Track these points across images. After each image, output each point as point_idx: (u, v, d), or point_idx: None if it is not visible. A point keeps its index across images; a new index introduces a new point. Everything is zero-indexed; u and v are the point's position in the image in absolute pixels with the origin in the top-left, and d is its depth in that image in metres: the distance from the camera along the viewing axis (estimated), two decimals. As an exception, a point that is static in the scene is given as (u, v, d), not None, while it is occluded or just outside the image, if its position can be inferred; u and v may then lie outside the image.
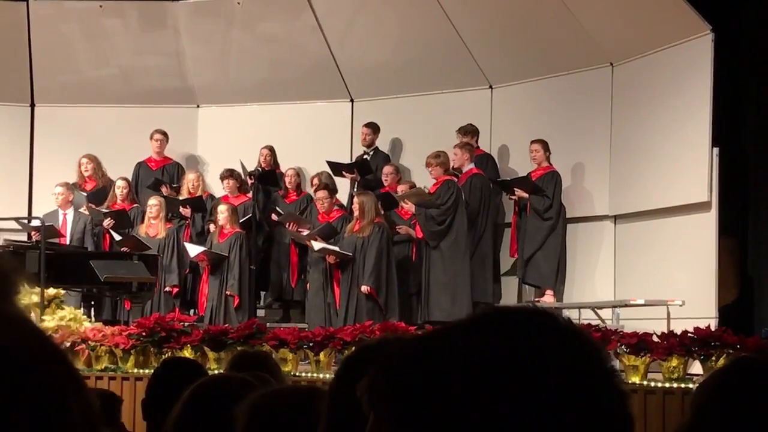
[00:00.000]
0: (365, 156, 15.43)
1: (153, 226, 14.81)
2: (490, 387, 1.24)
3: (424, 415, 1.26)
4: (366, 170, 15.10)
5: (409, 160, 15.48)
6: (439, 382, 1.26)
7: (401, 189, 14.40)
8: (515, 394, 1.24)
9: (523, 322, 1.32)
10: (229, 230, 14.52)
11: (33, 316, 12.10)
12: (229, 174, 15.36)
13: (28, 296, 12.05)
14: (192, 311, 14.77)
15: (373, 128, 15.43)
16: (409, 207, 13.85)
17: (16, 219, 14.91)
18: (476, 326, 1.31)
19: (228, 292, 14.30)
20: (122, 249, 14.28)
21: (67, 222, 14.93)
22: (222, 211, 14.61)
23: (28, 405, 1.23)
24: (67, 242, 14.72)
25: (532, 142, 14.09)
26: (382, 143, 15.56)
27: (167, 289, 14.71)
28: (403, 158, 15.66)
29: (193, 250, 14.52)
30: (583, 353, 1.30)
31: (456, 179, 14.09)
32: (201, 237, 15.18)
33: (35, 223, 13.74)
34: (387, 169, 14.88)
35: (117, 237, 14.60)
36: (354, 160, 15.41)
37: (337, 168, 15.10)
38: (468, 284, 13.72)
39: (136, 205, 15.37)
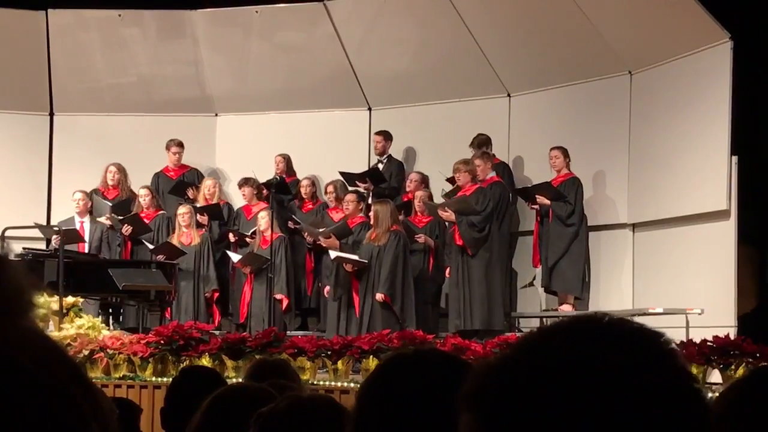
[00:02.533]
0: (378, 164, 15.42)
1: (186, 234, 14.81)
2: (587, 395, 1.30)
3: (522, 420, 1.30)
4: (379, 179, 15.09)
5: (425, 168, 15.41)
6: (537, 389, 1.30)
7: (418, 196, 14.37)
8: (611, 402, 1.29)
9: (610, 331, 1.37)
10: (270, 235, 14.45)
11: (51, 324, 12.14)
12: (245, 182, 15.39)
13: (47, 305, 12.08)
14: (210, 320, 14.78)
15: (386, 136, 15.42)
16: (448, 215, 13.69)
17: (39, 226, 14.93)
18: (574, 335, 1.36)
19: (277, 296, 14.23)
20: (158, 257, 14.30)
21: (85, 230, 14.94)
22: (263, 216, 14.56)
23: (47, 421, 1.23)
24: (86, 249, 14.74)
25: (552, 148, 14.01)
26: (400, 151, 15.54)
27: (207, 294, 14.75)
28: (417, 166, 15.60)
29: (236, 257, 14.56)
30: (666, 362, 1.36)
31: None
32: (219, 244, 15.18)
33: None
34: (414, 176, 14.89)
35: (150, 246, 14.62)
36: (367, 170, 15.39)
37: (350, 178, 15.08)
38: (500, 293, 13.70)
39: (161, 212, 15.36)
